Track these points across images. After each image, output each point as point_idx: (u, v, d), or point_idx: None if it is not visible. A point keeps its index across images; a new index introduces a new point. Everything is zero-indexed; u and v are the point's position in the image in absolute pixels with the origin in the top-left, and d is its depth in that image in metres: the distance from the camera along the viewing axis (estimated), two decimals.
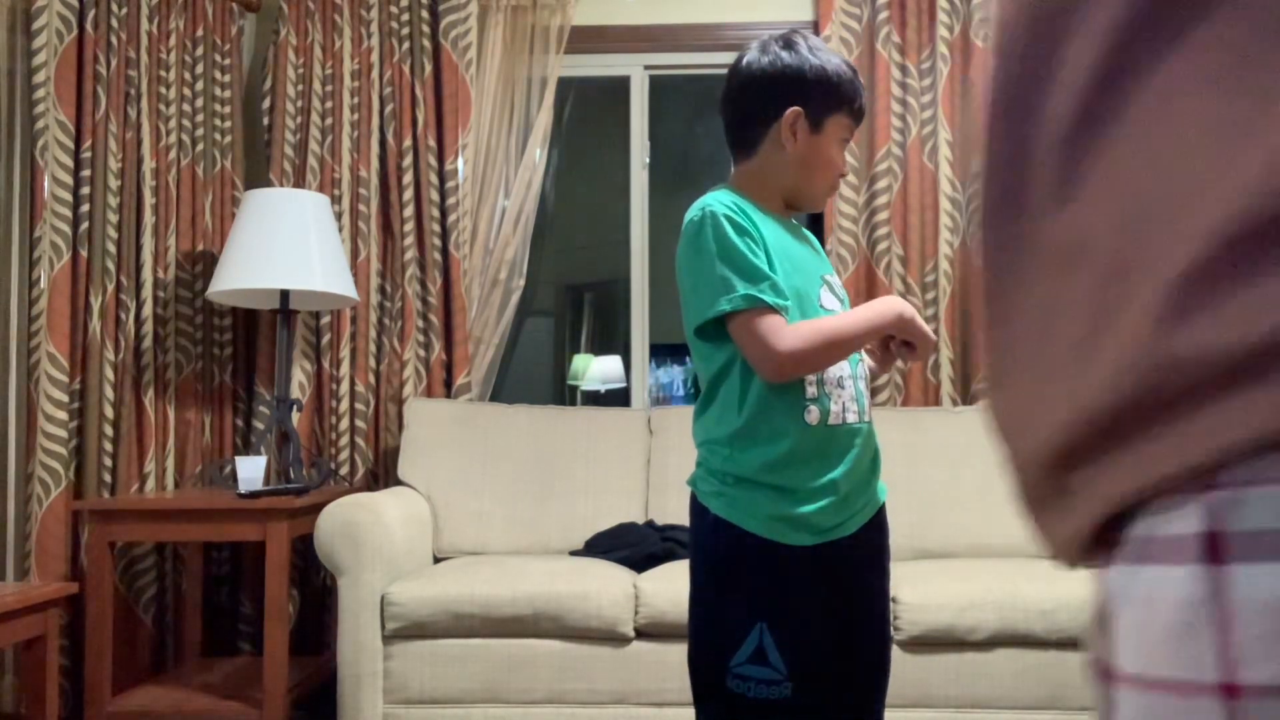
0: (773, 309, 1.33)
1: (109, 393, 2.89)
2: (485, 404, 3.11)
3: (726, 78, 1.49)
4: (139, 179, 3.00)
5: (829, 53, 1.45)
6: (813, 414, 1.37)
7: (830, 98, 1.43)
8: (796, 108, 1.41)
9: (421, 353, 3.17)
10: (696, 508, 1.44)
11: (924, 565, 2.57)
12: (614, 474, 2.91)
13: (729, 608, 1.38)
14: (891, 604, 2.31)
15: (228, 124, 3.19)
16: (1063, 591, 2.29)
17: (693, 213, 1.40)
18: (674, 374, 5.09)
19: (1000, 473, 2.75)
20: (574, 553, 2.78)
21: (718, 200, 1.38)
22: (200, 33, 3.17)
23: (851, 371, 1.43)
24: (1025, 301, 0.42)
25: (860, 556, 1.45)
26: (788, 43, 1.44)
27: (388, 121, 3.19)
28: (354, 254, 3.17)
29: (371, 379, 3.16)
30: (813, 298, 1.42)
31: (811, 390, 1.38)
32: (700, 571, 1.44)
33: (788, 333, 1.33)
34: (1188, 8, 0.34)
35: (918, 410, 2.97)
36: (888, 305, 1.41)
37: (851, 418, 1.41)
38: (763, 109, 1.44)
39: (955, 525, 2.75)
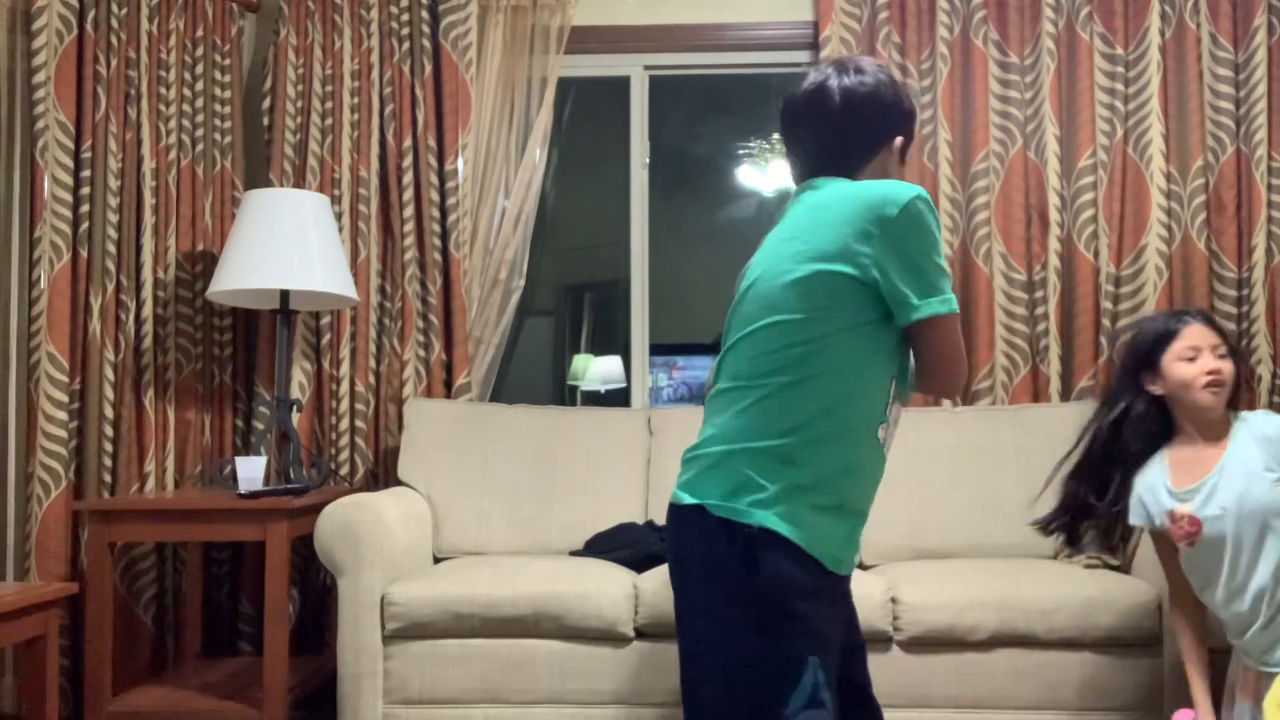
0: None
1: (109, 393, 2.89)
2: (485, 404, 3.11)
3: (812, 97, 1.40)
4: (139, 179, 2.99)
5: None
6: (882, 431, 1.36)
7: (913, 127, 1.46)
8: (902, 135, 1.43)
9: (421, 353, 3.17)
10: (715, 525, 1.29)
11: (924, 565, 2.57)
12: (614, 474, 2.91)
13: (778, 643, 1.22)
14: (890, 604, 2.32)
15: (228, 124, 3.19)
16: (1062, 591, 2.30)
17: (900, 192, 1.26)
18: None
19: (1001, 473, 2.75)
20: (574, 553, 2.78)
21: (919, 191, 1.27)
22: (200, 33, 3.17)
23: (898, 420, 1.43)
24: None
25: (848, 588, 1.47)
26: (862, 68, 1.41)
27: (388, 121, 3.19)
28: (354, 254, 3.18)
29: (371, 379, 3.16)
30: None
31: (891, 412, 1.38)
32: (728, 602, 1.27)
33: None
34: None
35: (918, 410, 2.96)
36: None
37: (887, 453, 1.40)
38: (874, 133, 1.40)
39: (955, 525, 2.75)
